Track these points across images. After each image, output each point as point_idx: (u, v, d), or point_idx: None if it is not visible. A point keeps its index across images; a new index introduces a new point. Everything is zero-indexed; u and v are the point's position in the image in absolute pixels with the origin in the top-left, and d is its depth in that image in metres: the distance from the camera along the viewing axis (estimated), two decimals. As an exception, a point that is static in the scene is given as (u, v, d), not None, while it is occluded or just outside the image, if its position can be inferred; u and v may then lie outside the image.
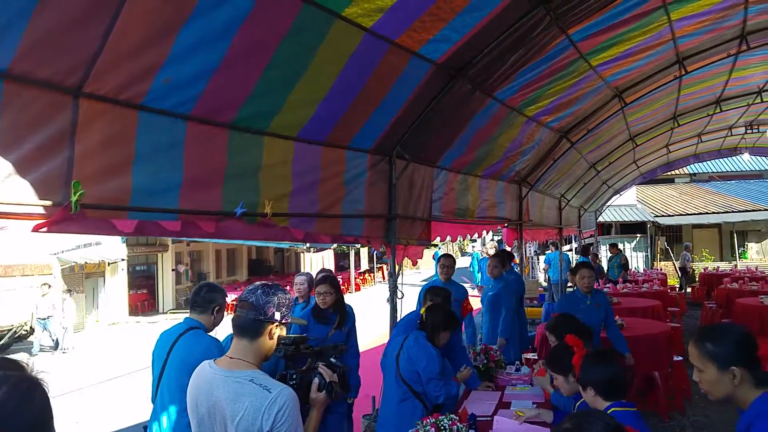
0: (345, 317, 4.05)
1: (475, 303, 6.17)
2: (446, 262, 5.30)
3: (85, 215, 2.27)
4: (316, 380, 1.80)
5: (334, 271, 22.88)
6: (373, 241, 4.26)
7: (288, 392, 1.64)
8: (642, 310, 7.65)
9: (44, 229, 2.13)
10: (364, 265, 32.02)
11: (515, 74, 4.66)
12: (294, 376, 1.78)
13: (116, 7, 2.06)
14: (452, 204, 5.55)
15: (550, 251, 14.24)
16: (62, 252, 15.43)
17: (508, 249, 7.96)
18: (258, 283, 1.81)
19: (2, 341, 12.25)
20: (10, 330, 12.68)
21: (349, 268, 26.11)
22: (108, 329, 17.28)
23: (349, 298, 22.40)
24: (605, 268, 14.18)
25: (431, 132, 4.59)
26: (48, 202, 2.12)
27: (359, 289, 25.99)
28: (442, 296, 3.90)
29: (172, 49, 2.39)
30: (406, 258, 4.83)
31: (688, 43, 5.84)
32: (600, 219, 20.07)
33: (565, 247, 20.26)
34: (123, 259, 18.25)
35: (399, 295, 4.50)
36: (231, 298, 19.04)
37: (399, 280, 4.54)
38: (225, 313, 3.16)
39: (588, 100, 6.32)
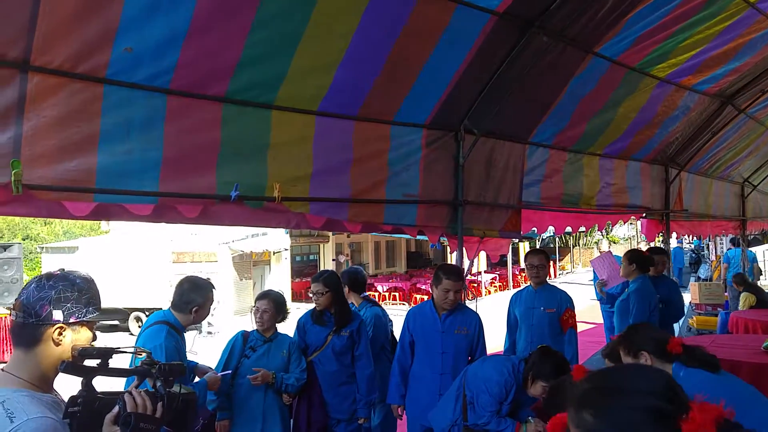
0: (346, 319, 3.50)
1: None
2: (533, 260, 4.04)
3: (32, 197, 2.16)
4: (116, 409, 1.36)
5: (486, 267, 22.02)
6: (429, 232, 3.65)
7: (36, 424, 1.22)
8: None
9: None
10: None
11: (623, 22, 3.66)
12: (79, 401, 1.35)
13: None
14: (557, 188, 4.64)
15: (730, 248, 11.70)
16: (232, 242, 17.11)
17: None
18: (39, 275, 1.43)
19: None
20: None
21: (506, 263, 24.85)
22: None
23: (502, 296, 21.41)
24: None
25: (512, 101, 3.83)
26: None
27: (518, 286, 24.70)
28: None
29: (123, 15, 2.17)
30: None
31: None
32: (819, 210, 16.11)
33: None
34: (286, 249, 19.67)
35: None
36: (385, 288, 19.68)
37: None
38: (208, 310, 2.89)
39: (755, 51, 4.83)
